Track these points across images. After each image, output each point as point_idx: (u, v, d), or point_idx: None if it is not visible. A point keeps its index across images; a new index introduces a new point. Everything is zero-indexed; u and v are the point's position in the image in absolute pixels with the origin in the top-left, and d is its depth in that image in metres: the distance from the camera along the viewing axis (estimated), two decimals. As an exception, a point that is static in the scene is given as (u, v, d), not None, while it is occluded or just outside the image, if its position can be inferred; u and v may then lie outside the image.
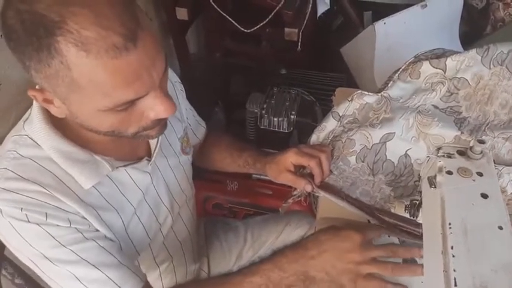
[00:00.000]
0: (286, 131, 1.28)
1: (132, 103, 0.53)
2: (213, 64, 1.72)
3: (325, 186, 0.78)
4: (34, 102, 0.60)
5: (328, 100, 1.31)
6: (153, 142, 0.72)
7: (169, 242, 0.82)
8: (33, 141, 0.59)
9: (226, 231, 1.09)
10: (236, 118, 1.51)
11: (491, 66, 0.80)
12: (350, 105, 0.86)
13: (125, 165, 0.66)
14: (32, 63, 0.48)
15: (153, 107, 0.54)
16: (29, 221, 0.55)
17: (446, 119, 0.80)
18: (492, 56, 0.80)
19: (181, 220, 0.86)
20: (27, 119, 0.61)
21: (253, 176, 1.42)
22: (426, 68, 0.83)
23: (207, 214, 1.49)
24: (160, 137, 0.71)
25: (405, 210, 0.64)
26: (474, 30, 1.81)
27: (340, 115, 0.86)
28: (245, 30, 1.41)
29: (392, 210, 0.70)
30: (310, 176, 0.78)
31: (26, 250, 0.58)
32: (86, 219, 0.60)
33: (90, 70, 0.47)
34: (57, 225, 0.57)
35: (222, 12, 1.39)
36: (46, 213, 0.56)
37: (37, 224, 0.56)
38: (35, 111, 0.60)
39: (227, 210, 1.50)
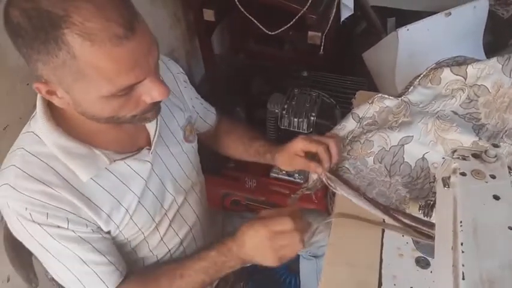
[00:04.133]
0: (306, 131, 1.31)
1: (131, 88, 0.58)
2: (236, 65, 1.75)
3: (341, 180, 0.80)
4: (37, 101, 0.65)
5: (348, 103, 1.33)
6: (152, 132, 0.76)
7: (177, 225, 0.87)
8: (38, 137, 0.65)
9: (244, 224, 1.12)
10: (257, 118, 1.54)
11: None
12: (370, 107, 0.88)
13: (123, 158, 0.71)
14: (41, 56, 0.52)
15: (150, 91, 0.60)
16: (33, 221, 0.63)
17: (465, 124, 0.81)
18: None
19: (188, 205, 0.89)
20: (33, 116, 0.67)
21: (271, 174, 1.45)
22: (447, 74, 0.85)
23: (225, 210, 1.53)
24: (158, 127, 0.76)
25: (419, 209, 0.66)
26: (499, 39, 1.80)
27: (360, 117, 0.88)
28: (269, 33, 1.44)
29: (407, 210, 0.72)
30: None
31: (30, 243, 0.68)
32: (83, 218, 0.67)
33: (95, 58, 0.51)
34: (58, 226, 0.64)
35: (247, 15, 1.42)
36: (47, 214, 0.63)
37: (39, 223, 0.63)
38: (38, 109, 0.65)
39: (244, 207, 1.53)
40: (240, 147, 0.99)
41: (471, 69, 0.83)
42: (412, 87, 0.88)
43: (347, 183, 0.81)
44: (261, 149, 0.94)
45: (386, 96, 0.87)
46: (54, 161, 0.65)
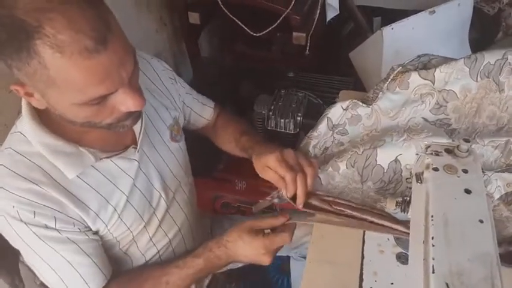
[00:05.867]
0: (292, 132, 1.32)
1: (103, 98, 0.58)
2: (224, 67, 1.76)
3: (310, 208, 0.76)
4: (23, 102, 0.66)
5: (334, 103, 1.34)
6: (137, 131, 0.77)
7: (166, 225, 0.87)
8: (25, 136, 0.66)
9: (233, 226, 1.13)
10: (246, 119, 1.54)
11: (478, 78, 0.81)
12: (344, 114, 0.87)
13: (109, 157, 0.72)
14: (14, 62, 0.53)
15: (124, 102, 0.60)
16: (21, 220, 0.64)
17: (437, 130, 0.81)
18: (479, 68, 0.80)
19: (177, 204, 0.90)
20: (20, 117, 0.68)
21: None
22: (415, 78, 0.84)
23: (216, 213, 1.53)
24: (143, 126, 0.76)
25: (396, 205, 0.66)
26: (485, 36, 1.81)
27: (334, 124, 0.87)
28: (255, 34, 1.45)
29: (384, 204, 0.72)
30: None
31: (16, 241, 0.68)
32: (70, 217, 0.67)
33: (65, 69, 0.53)
34: (45, 224, 0.65)
35: (232, 17, 1.43)
36: (34, 212, 0.64)
37: (26, 223, 0.64)
38: (24, 110, 0.66)
39: (235, 209, 1.54)
40: (232, 142, 0.99)
41: (439, 73, 0.82)
42: (381, 93, 0.86)
43: (317, 207, 0.77)
44: (246, 143, 0.93)
45: (360, 103, 0.86)
46: (41, 159, 0.66)
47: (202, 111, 1.00)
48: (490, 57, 0.80)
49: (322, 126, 0.88)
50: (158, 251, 0.88)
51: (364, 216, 0.73)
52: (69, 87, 0.55)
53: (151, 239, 0.85)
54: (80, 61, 0.52)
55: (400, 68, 0.86)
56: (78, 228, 0.69)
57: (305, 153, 0.87)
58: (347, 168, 0.81)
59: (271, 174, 0.76)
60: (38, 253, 0.68)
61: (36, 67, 0.52)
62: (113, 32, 0.55)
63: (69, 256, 0.69)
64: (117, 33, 0.56)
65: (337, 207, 0.75)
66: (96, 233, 0.74)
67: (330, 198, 0.77)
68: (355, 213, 0.74)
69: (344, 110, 0.87)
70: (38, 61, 0.52)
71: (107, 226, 0.73)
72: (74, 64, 0.52)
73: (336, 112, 0.88)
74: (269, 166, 0.76)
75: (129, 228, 0.77)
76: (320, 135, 0.88)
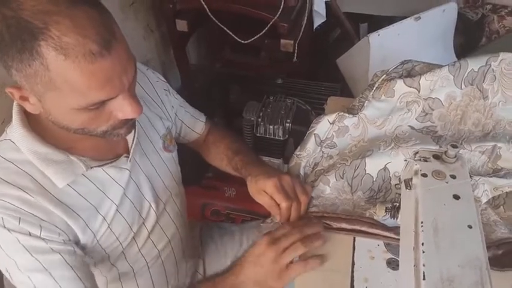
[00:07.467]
0: (282, 138, 1.32)
1: (102, 103, 0.58)
2: (213, 74, 1.76)
3: None
4: (14, 109, 0.65)
5: (323, 109, 1.34)
6: (130, 139, 0.76)
7: (155, 236, 0.85)
8: (14, 144, 0.65)
9: (222, 235, 1.12)
10: (235, 126, 1.55)
11: (463, 86, 0.81)
12: (331, 128, 0.87)
13: (100, 165, 0.71)
14: (14, 63, 0.53)
15: (122, 108, 0.60)
16: (4, 226, 0.61)
17: (424, 138, 0.81)
18: (464, 75, 0.81)
19: (167, 215, 0.88)
20: (10, 124, 0.67)
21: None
22: (400, 86, 0.84)
23: (205, 220, 1.52)
24: (136, 135, 0.75)
25: (386, 211, 0.67)
26: (469, 41, 1.85)
27: (321, 139, 0.87)
28: (243, 42, 1.45)
29: (373, 211, 0.72)
30: None
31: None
32: (57, 227, 0.65)
33: (67, 72, 0.52)
34: (29, 231, 0.63)
35: (220, 24, 1.43)
36: (20, 218, 0.62)
37: (9, 229, 0.62)
38: (14, 116, 0.65)
39: (225, 217, 1.53)
40: (224, 160, 0.98)
41: (424, 81, 0.82)
42: (366, 102, 0.86)
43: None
44: (239, 163, 0.92)
45: (346, 115, 0.86)
46: (30, 167, 0.64)
47: (194, 125, 1.00)
48: (473, 64, 0.80)
49: (310, 145, 0.87)
50: (147, 263, 0.86)
51: (354, 227, 0.74)
52: (69, 90, 0.54)
53: (140, 251, 0.83)
54: (83, 64, 0.52)
55: (384, 75, 0.86)
56: (63, 240, 0.67)
57: (296, 175, 0.86)
58: (336, 180, 0.80)
59: (266, 199, 0.76)
60: (18, 264, 0.65)
61: (37, 68, 0.52)
62: (117, 38, 0.55)
63: (51, 267, 0.66)
64: (120, 40, 0.56)
65: (326, 222, 0.75)
66: (84, 248, 0.71)
67: (319, 214, 0.76)
68: (344, 225, 0.74)
69: (331, 124, 0.87)
70: (40, 62, 0.51)
71: (95, 236, 0.71)
72: (77, 67, 0.52)
73: (323, 127, 0.87)
74: (266, 191, 0.76)
75: (117, 238, 0.76)
76: (309, 154, 0.87)
